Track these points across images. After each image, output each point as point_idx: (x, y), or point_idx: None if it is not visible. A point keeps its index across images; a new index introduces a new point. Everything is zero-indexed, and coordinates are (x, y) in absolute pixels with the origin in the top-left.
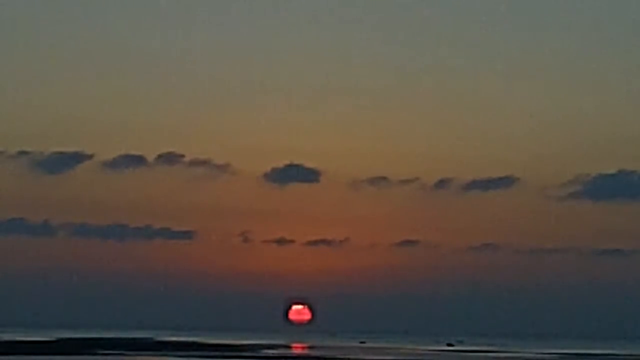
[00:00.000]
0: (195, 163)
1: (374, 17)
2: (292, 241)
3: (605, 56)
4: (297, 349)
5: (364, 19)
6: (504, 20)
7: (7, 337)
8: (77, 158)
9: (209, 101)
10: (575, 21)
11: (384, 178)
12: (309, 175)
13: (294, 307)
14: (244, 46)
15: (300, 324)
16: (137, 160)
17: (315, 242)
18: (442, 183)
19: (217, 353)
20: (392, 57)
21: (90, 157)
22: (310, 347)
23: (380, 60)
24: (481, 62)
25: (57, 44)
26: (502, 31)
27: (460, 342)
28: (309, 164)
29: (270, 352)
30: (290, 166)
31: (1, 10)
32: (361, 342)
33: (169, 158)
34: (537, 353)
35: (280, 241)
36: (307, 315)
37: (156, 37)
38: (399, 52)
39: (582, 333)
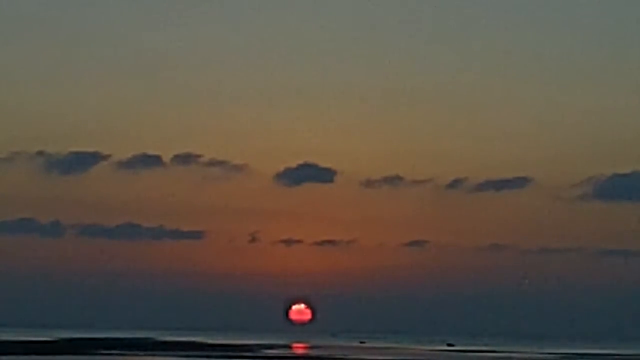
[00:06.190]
0: (212, 163)
1: (386, 19)
2: (299, 241)
3: (620, 56)
4: (298, 349)
5: (376, 21)
6: (517, 21)
7: (7, 337)
8: (94, 158)
9: (226, 102)
10: (590, 21)
11: (399, 178)
12: (324, 175)
13: (295, 306)
14: (260, 48)
15: (300, 323)
16: (154, 161)
17: (322, 243)
18: (455, 183)
19: (217, 353)
20: (407, 59)
21: (107, 157)
22: (310, 347)
23: (395, 61)
24: (495, 63)
25: (75, 45)
26: (516, 31)
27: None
28: (324, 163)
29: (270, 352)
30: (304, 166)
31: (20, 12)
32: (361, 342)
33: (186, 158)
34: (539, 353)
35: (288, 241)
36: (307, 315)
37: (173, 39)
38: (413, 54)
39: (587, 333)
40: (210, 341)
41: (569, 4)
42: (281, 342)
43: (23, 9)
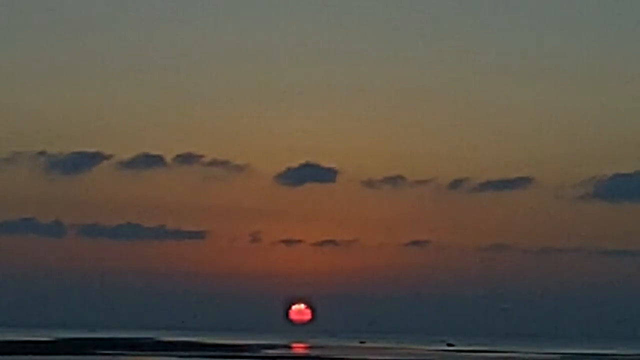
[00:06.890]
0: (213, 163)
1: (387, 19)
2: (300, 241)
3: (620, 56)
4: (298, 349)
5: (377, 21)
6: (518, 22)
7: (7, 337)
8: (96, 158)
9: (227, 102)
10: (590, 21)
11: (401, 178)
12: (325, 174)
13: (295, 306)
14: (262, 48)
15: (300, 323)
16: (155, 161)
17: (323, 243)
18: (457, 183)
19: (217, 353)
20: (409, 59)
21: (109, 157)
22: (310, 347)
23: (397, 61)
24: (497, 64)
25: (75, 45)
26: (516, 32)
27: (452, 345)
28: (325, 163)
29: (270, 352)
30: (305, 166)
31: (20, 12)
32: (361, 342)
33: (188, 158)
34: (538, 353)
35: (289, 242)
36: (307, 315)
37: (176, 40)
38: (415, 54)
39: (587, 333)
40: (210, 341)
41: (570, 3)
42: (281, 342)
43: (23, 9)
